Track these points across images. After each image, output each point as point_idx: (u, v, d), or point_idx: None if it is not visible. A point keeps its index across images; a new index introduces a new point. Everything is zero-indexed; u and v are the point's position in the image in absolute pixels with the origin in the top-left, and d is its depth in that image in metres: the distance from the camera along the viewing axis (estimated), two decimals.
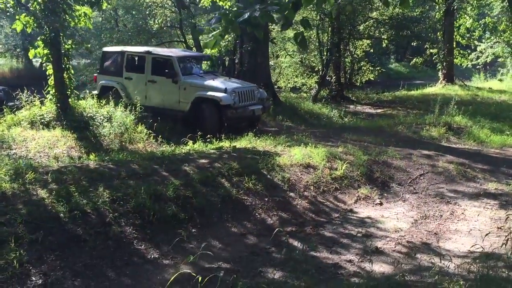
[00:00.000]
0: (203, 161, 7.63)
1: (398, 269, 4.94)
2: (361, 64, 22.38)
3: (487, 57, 25.98)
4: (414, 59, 25.48)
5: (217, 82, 11.61)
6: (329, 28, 19.39)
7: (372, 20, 21.04)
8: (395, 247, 5.62)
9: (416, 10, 22.20)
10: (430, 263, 5.10)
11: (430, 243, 5.76)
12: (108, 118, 10.64)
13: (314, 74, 22.24)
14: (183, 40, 21.95)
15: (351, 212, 6.95)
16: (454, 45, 23.58)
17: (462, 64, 25.50)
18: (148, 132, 10.19)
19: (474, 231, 6.13)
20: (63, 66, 11.17)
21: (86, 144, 9.54)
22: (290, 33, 21.24)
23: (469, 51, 25.97)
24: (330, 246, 5.70)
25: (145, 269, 4.87)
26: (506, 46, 25.13)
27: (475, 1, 23.14)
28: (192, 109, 11.37)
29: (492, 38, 25.74)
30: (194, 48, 21.00)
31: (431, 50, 23.67)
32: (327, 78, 20.80)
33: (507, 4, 21.39)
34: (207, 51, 16.15)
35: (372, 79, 23.37)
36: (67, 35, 11.06)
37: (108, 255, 4.93)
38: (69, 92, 11.29)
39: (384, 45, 24.56)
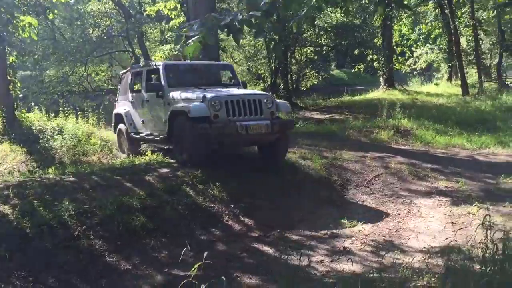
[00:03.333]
0: (164, 170, 7.60)
1: (366, 267, 5.17)
2: (306, 71, 22.96)
3: (423, 63, 27.37)
4: (357, 66, 26.39)
5: (199, 91, 8.29)
6: (277, 36, 19.75)
7: (316, 28, 21.63)
8: (361, 246, 5.85)
9: (357, 18, 23.05)
10: (396, 259, 5.36)
11: (393, 241, 6.02)
12: (59, 131, 10.35)
13: (260, 81, 22.56)
14: (131, 50, 21.62)
15: (315, 215, 7.13)
16: (395, 51, 24.65)
17: (401, 70, 26.69)
18: (102, 144, 9.99)
19: (431, 227, 6.48)
20: (8, 78, 10.76)
21: (37, 158, 9.26)
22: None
23: (406, 57, 27.22)
24: (299, 249, 5.82)
25: (120, 281, 4.82)
26: (440, 52, 26.58)
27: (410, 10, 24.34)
28: (170, 130, 8.31)
29: (427, 45, 27.17)
30: (141, 59, 20.68)
31: (371, 57, 24.63)
32: (276, 85, 21.16)
33: (440, 12, 22.71)
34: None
35: (315, 83, 23.97)
36: (13, 46, 10.66)
37: (80, 269, 4.83)
38: (15, 105, 10.89)
39: (324, 51, 25.31)
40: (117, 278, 4.86)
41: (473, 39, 21.43)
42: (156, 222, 6.01)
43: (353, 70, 28.63)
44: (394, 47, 24.88)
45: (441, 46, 26.05)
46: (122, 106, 10.13)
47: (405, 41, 26.13)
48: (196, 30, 3.44)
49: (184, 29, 3.91)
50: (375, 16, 23.30)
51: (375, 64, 24.22)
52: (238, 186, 7.41)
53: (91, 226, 5.51)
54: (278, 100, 8.79)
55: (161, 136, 8.66)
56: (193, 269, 2.91)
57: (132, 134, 9.59)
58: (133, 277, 4.97)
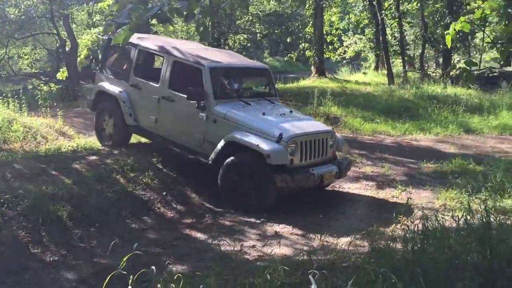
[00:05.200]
0: (93, 158, 7.36)
1: (297, 250, 5.31)
2: None
3: (352, 52, 28.18)
4: (289, 54, 26.72)
5: (267, 119, 6.91)
6: (209, 23, 19.60)
7: (249, 16, 21.66)
8: (292, 230, 5.99)
9: (290, 6, 23.29)
10: (325, 242, 5.55)
11: (322, 225, 6.20)
12: None
13: None
14: (56, 32, 20.57)
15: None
16: (326, 41, 25.19)
17: (332, 58, 27.35)
18: (25, 131, 9.47)
19: (358, 210, 6.76)
20: None
21: None
22: (172, 28, 21.07)
23: (335, 47, 27.89)
24: (232, 234, 5.88)
25: (46, 273, 4.63)
26: (367, 42, 27.47)
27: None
28: (221, 160, 6.74)
29: (356, 35, 28.00)
30: (68, 42, 19.68)
31: (303, 45, 25.02)
32: None
33: (368, 2, 23.45)
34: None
35: None
36: None
37: (2, 261, 4.59)
38: None
39: (258, 39, 25.44)
40: (42, 270, 4.67)
41: (398, 30, 22.33)
42: (84, 211, 5.82)
43: (285, 58, 28.95)
44: (325, 36, 25.41)
45: (369, 36, 26.93)
46: (114, 85, 8.13)
47: (335, 31, 26.74)
48: (125, 18, 3.33)
49: (112, 17, 3.78)
50: (307, 5, 23.69)
51: (307, 52, 24.65)
52: (171, 173, 7.34)
53: (13, 217, 5.24)
54: (337, 136, 7.47)
55: (198, 152, 7.12)
56: (122, 262, 2.84)
57: (129, 125, 7.90)
58: (61, 268, 4.79)
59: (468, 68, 3.74)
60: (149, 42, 8.13)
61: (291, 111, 7.62)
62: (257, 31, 22.69)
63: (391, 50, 23.37)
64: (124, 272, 2.79)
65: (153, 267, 2.96)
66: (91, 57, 24.94)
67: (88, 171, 6.70)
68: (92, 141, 8.62)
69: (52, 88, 20.25)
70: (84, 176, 6.56)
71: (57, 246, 5.13)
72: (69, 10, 20.78)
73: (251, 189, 6.52)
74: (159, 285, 2.97)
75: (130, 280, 2.80)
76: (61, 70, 19.74)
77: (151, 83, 7.66)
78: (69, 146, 8.07)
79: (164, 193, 6.83)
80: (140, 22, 3.45)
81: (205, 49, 8.66)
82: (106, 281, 2.91)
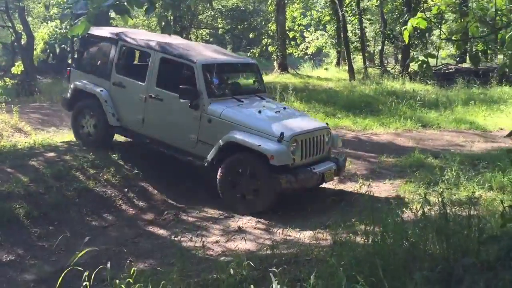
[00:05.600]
0: (51, 154, 7.18)
1: (260, 245, 5.33)
2: None
3: (313, 48, 28.46)
4: (252, 50, 26.73)
5: (265, 117, 6.74)
6: (171, 17, 19.37)
7: (212, 11, 21.53)
8: (255, 224, 6.01)
9: (252, 2, 23.30)
10: (288, 236, 5.60)
11: (285, 219, 6.23)
12: None
13: None
14: (11, 25, 19.84)
15: (212, 196, 7.17)
16: (288, 36, 25.33)
17: (294, 54, 27.54)
18: None
19: (321, 204, 6.83)
20: None
21: None
22: (130, 21, 20.68)
23: (299, 42, 28.09)
24: (195, 230, 5.86)
25: (3, 272, 4.49)
26: (329, 38, 27.79)
27: None
28: (218, 160, 6.51)
29: (317, 31, 28.27)
30: (23, 36, 19.02)
31: (266, 41, 25.10)
32: None
33: None
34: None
35: None
36: None
37: None
38: None
39: (220, 33, 25.33)
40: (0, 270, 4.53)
41: (358, 27, 22.68)
42: (42, 209, 5.67)
43: (248, 54, 28.94)
44: (287, 32, 25.56)
45: (330, 33, 27.24)
46: (93, 83, 7.60)
47: (298, 27, 26.92)
48: (82, 8, 3.23)
49: (68, 9, 3.68)
50: (269, 1, 23.78)
51: (270, 48, 24.72)
52: (133, 169, 7.23)
53: None
54: (331, 132, 7.33)
55: (191, 153, 6.80)
56: (74, 257, 2.78)
57: (112, 125, 7.43)
58: (18, 268, 4.66)
59: (426, 60, 3.83)
60: (131, 37, 7.72)
61: (284, 108, 7.45)
62: (220, 26, 22.57)
63: (352, 46, 23.71)
64: (81, 269, 2.73)
65: (109, 263, 2.91)
66: (48, 51, 24.26)
67: (46, 168, 6.52)
68: (49, 137, 8.39)
69: (7, 83, 19.56)
70: (42, 173, 6.39)
71: (14, 246, 4.99)
72: (25, 2, 20.10)
73: (253, 190, 6.29)
74: (117, 281, 2.92)
75: (84, 276, 2.73)
76: (16, 64, 19.10)
77: (136, 81, 7.26)
78: (25, 142, 7.83)
79: (126, 189, 6.73)
80: (98, 13, 3.37)
81: (190, 44, 8.37)
82: (61, 278, 2.85)
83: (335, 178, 7.15)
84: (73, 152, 7.26)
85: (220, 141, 6.43)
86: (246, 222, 6.12)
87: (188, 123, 6.81)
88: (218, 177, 6.45)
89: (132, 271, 3.17)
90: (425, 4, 18.78)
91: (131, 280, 3.06)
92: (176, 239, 5.55)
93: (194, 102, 6.63)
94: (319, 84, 18.80)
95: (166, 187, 7.09)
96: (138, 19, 20.48)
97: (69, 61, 15.67)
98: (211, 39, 24.38)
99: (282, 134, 6.18)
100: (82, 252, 3.02)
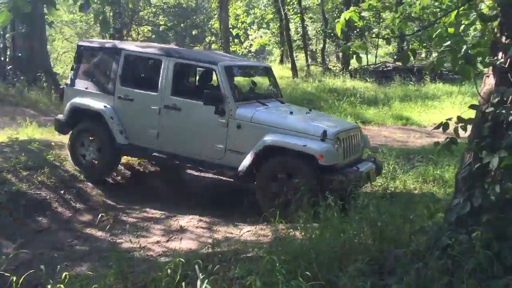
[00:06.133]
0: None
1: (202, 243, 5.30)
2: None
3: (257, 46, 28.64)
4: (195, 48, 26.51)
5: (300, 118, 6.46)
6: (110, 13, 18.88)
7: (153, 7, 21.19)
8: (198, 223, 5.97)
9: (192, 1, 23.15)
10: (230, 233, 5.60)
11: (228, 216, 6.21)
12: None
13: None
14: None
15: (157, 195, 7.06)
16: (231, 34, 25.34)
17: (238, 52, 27.59)
18: None
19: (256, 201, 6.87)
20: None
21: None
22: (66, 17, 19.99)
23: (242, 40, 28.20)
24: (135, 231, 5.74)
25: None
26: (272, 36, 28.05)
27: None
28: (255, 167, 5.96)
29: (261, 29, 28.46)
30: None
31: (209, 38, 25.02)
32: None
33: None
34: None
35: None
36: None
37: None
38: None
39: (162, 29, 25.00)
40: None
41: (301, 25, 23.04)
42: None
43: None
44: (231, 29, 25.57)
45: (273, 30, 27.50)
46: (94, 99, 6.89)
47: (241, 24, 27.00)
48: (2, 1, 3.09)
49: None
50: None
51: (213, 45, 24.65)
52: (69, 169, 6.99)
53: None
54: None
55: (220, 164, 6.21)
56: (2, 262, 2.66)
57: (121, 145, 6.74)
58: None
59: (356, 50, 3.93)
60: (133, 45, 7.24)
61: (310, 109, 7.11)
62: (161, 23, 22.23)
63: (295, 44, 24.05)
64: (7, 274, 2.61)
65: (42, 267, 2.80)
66: None
67: None
68: None
69: None
70: None
71: None
72: None
73: (298, 195, 5.27)
74: (49, 286, 2.81)
75: (9, 282, 2.61)
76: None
77: (147, 92, 6.64)
78: None
79: (62, 191, 6.48)
80: (21, 4, 3.23)
81: (195, 51, 7.94)
82: None
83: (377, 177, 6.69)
84: (4, 154, 6.92)
85: (256, 146, 5.88)
86: (188, 221, 6.06)
87: (213, 132, 6.24)
88: (257, 186, 5.96)
89: (63, 275, 3.05)
90: (363, 4, 19.32)
91: (62, 286, 2.95)
92: (115, 241, 5.43)
93: (220, 107, 6.15)
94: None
95: (105, 188, 6.91)
96: (75, 15, 19.81)
97: (6, 59, 14.82)
98: (153, 36, 23.98)
99: (325, 132, 5.71)
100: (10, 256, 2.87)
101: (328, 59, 25.96)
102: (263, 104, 6.54)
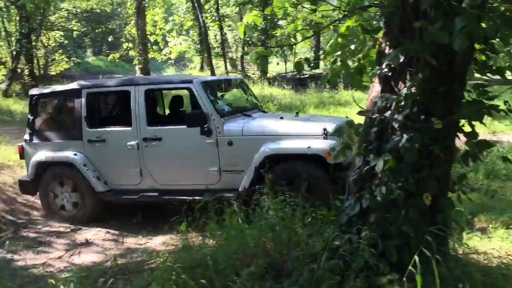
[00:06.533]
0: None
1: (108, 256, 5.14)
2: (54, 56, 21.58)
3: (177, 53, 28.37)
4: (111, 54, 25.79)
5: (292, 121, 6.05)
6: (17, 17, 17.90)
7: (64, 12, 20.37)
8: (104, 236, 5.79)
9: (108, 4, 22.55)
10: (138, 244, 5.48)
11: (138, 227, 6.05)
12: None
13: (1, 66, 20.19)
14: None
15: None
16: (150, 40, 24.92)
17: (157, 59, 27.18)
18: None
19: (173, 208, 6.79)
20: None
21: None
22: None
23: (161, 46, 27.79)
24: (36, 247, 5.47)
25: None
26: (192, 43, 27.93)
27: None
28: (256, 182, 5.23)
29: (180, 36, 28.23)
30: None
31: (127, 45, 24.41)
32: (18, 71, 19.24)
33: (191, 5, 23.87)
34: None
35: (66, 67, 22.65)
36: None
37: None
38: None
39: (75, 36, 24.17)
40: None
41: (219, 33, 23.17)
42: None
43: (108, 58, 27.86)
44: (149, 36, 25.15)
45: (193, 38, 27.39)
46: (60, 149, 6.27)
47: (159, 31, 26.60)
48: None
49: None
50: (128, 4, 23.15)
51: (131, 52, 24.09)
52: None
53: None
54: None
55: (224, 195, 5.39)
56: None
57: (101, 192, 6.15)
58: None
59: (261, 54, 3.95)
60: (94, 83, 6.53)
61: (297, 113, 6.87)
62: (74, 28, 21.42)
63: (214, 52, 24.12)
64: None
65: None
66: None
67: None
68: None
69: None
70: None
71: None
72: None
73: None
74: None
75: None
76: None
77: (120, 128, 6.08)
78: None
79: None
80: None
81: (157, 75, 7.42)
82: None
83: None
84: None
85: (255, 159, 5.42)
86: (95, 234, 5.86)
87: (203, 155, 5.72)
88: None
89: None
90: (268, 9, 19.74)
91: None
92: (14, 258, 5.13)
93: (205, 127, 5.69)
94: None
95: (4, 203, 6.51)
96: None
97: None
98: (66, 42, 23.03)
99: (325, 129, 5.36)
100: None
101: (248, 67, 26.28)
102: (248, 116, 6.18)
